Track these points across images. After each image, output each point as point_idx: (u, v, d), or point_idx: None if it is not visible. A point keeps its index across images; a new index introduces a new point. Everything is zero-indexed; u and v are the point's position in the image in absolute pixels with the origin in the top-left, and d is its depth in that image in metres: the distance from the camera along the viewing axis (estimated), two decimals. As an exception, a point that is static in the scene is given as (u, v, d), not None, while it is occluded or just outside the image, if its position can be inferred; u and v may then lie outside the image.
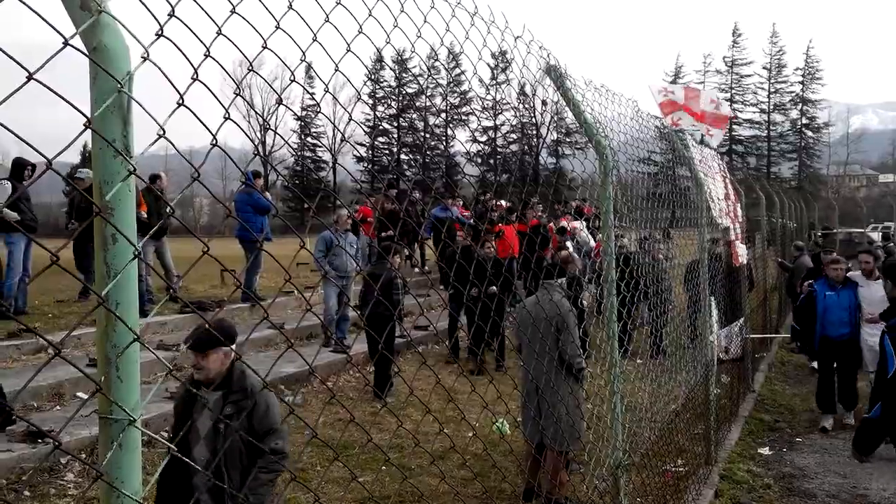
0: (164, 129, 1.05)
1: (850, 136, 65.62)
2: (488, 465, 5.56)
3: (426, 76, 57.29)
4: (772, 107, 60.73)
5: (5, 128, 0.94)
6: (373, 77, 57.75)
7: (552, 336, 4.73)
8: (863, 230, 28.18)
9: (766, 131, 60.72)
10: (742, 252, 8.87)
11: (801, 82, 60.18)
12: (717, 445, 6.22)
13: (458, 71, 56.75)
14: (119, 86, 1.02)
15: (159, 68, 1.07)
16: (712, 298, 6.53)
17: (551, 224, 13.50)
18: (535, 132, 57.89)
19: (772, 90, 60.60)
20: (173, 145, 1.11)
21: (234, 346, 3.09)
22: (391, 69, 59.22)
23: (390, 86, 59.83)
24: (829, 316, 7.37)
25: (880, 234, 25.01)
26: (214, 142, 1.16)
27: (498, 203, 14.72)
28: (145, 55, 1.05)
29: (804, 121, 60.33)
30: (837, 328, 7.26)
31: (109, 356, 1.02)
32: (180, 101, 1.10)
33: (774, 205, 14.40)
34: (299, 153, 58.66)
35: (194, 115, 1.12)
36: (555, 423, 4.62)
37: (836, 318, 7.28)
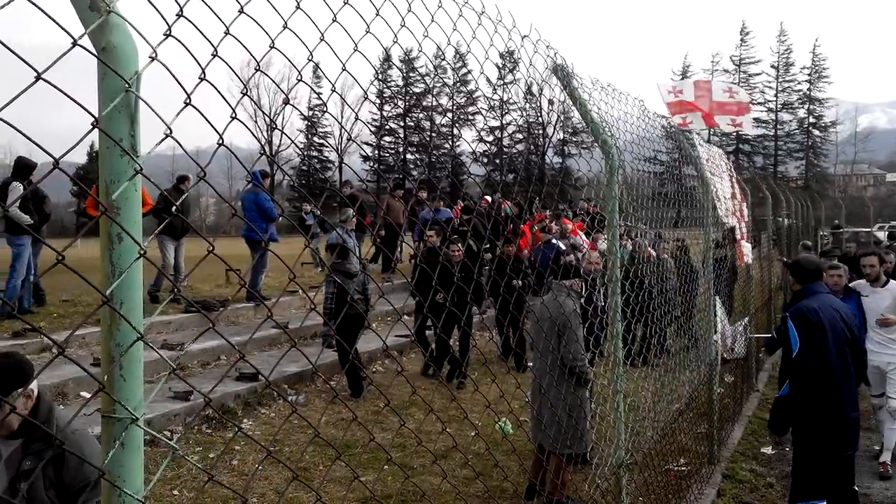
0: (171, 129, 1.05)
1: (857, 134, 65.27)
2: (490, 465, 5.56)
3: (433, 76, 57.29)
4: (779, 106, 60.50)
5: (12, 126, 0.94)
6: (380, 77, 57.78)
7: (555, 337, 4.73)
8: (869, 229, 27.99)
9: (773, 130, 60.49)
10: (748, 251, 8.84)
11: (809, 81, 59.94)
12: (720, 445, 6.22)
13: (464, 70, 56.75)
14: (127, 85, 1.02)
15: (167, 68, 1.08)
16: (717, 298, 6.51)
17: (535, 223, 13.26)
18: (541, 132, 57.83)
19: (779, 89, 60.38)
20: (180, 145, 1.11)
21: (32, 385, 2.47)
22: (398, 69, 59.25)
23: (397, 85, 59.84)
24: None
25: (887, 233, 24.71)
26: (221, 141, 1.17)
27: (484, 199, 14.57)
28: (153, 55, 1.05)
29: (811, 120, 60.08)
30: None
31: (113, 355, 1.03)
32: (187, 101, 1.10)
33: (781, 204, 14.34)
34: (305, 153, 58.71)
35: (202, 114, 1.12)
36: (556, 424, 4.62)
37: None
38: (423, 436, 6.30)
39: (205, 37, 1.12)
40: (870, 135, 68.33)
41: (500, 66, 52.85)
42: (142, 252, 1.03)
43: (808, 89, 59.92)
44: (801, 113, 60.47)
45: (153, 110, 1.06)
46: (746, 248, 8.97)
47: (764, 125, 60.29)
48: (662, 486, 4.61)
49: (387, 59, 55.78)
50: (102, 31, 1.02)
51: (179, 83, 1.08)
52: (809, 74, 59.79)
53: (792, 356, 4.19)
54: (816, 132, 60.39)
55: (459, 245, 8.56)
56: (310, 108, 56.16)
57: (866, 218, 31.28)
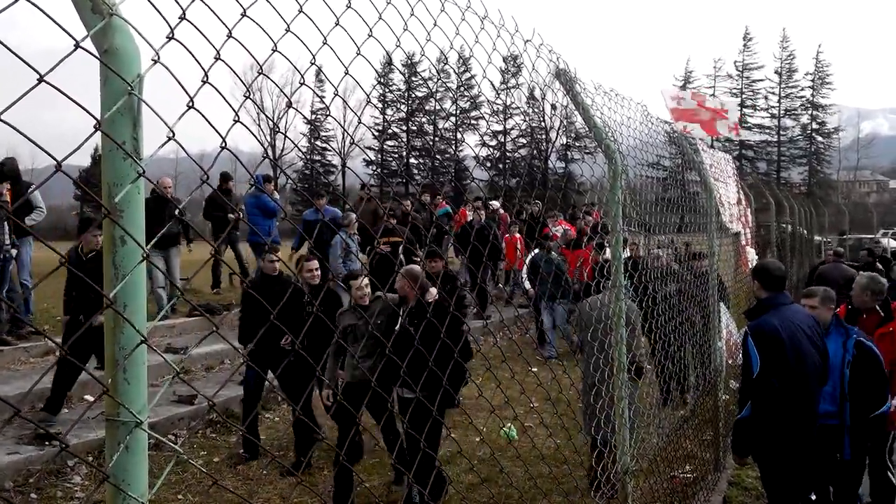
0: (173, 132, 1.05)
1: (860, 141, 65.17)
2: (496, 470, 5.54)
3: (436, 80, 57.40)
4: (782, 112, 60.45)
5: (16, 130, 0.94)
6: (382, 81, 57.92)
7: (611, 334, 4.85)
8: (873, 235, 27.89)
9: (776, 136, 60.44)
10: (752, 257, 8.83)
11: (812, 87, 59.90)
12: (726, 451, 6.18)
13: (468, 75, 56.87)
14: (129, 88, 1.02)
15: (169, 71, 1.07)
16: (722, 304, 6.49)
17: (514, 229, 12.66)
18: (544, 136, 57.88)
19: (782, 95, 60.35)
20: (183, 148, 1.11)
21: None
22: (401, 73, 59.41)
23: (400, 89, 60.01)
24: None
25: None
26: (224, 144, 1.16)
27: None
28: (156, 58, 1.05)
29: (814, 126, 60.01)
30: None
31: (117, 358, 1.02)
32: (190, 104, 1.10)
33: (784, 210, 14.32)
34: (308, 156, 58.86)
35: (204, 117, 1.12)
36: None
37: None
38: (426, 441, 6.28)
39: (207, 39, 1.12)
40: (872, 141, 68.16)
41: (503, 70, 52.98)
42: (145, 255, 1.03)
43: (812, 95, 59.87)
44: (804, 119, 60.41)
45: (156, 113, 1.05)
46: (751, 253, 8.96)
47: (767, 131, 60.25)
48: (668, 492, 4.58)
49: (389, 62, 55.98)
50: (105, 33, 1.02)
51: (182, 86, 1.07)
52: (812, 80, 59.74)
53: (753, 376, 3.97)
54: (819, 138, 60.28)
55: (314, 266, 5.88)
56: (313, 112, 56.31)
57: (869, 225, 31.20)
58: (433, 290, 4.82)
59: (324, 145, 59.46)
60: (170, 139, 1.05)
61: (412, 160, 60.40)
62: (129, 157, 1.01)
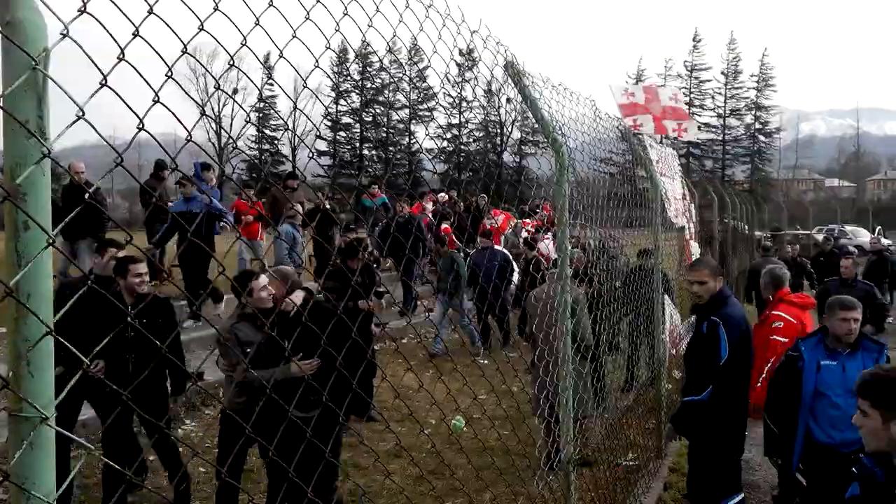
0: (83, 111, 0.99)
1: (799, 141, 67.84)
2: (441, 463, 5.55)
3: (380, 65, 56.63)
4: (727, 111, 62.30)
5: None
6: (319, 65, 56.66)
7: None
8: (809, 232, 29.06)
9: (721, 135, 62.30)
10: (695, 251, 9.08)
11: (756, 88, 61.91)
12: (668, 439, 6.35)
13: (417, 68, 56.47)
14: (34, 63, 0.96)
15: (80, 46, 1.02)
16: (666, 296, 6.66)
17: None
18: (498, 131, 58.11)
19: (728, 96, 62.17)
20: (94, 128, 1.05)
21: None
22: (348, 61, 58.50)
23: (354, 79, 59.16)
24: (827, 405, 3.94)
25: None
26: (141, 125, 1.11)
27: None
28: (64, 31, 0.99)
29: (757, 126, 62.11)
30: (842, 428, 3.82)
31: (20, 350, 0.96)
32: (103, 82, 1.04)
33: (726, 206, 14.76)
34: (257, 146, 57.54)
35: (117, 94, 1.06)
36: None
37: (841, 407, 3.83)
38: (375, 434, 6.26)
39: (124, 14, 1.06)
40: (811, 141, 71.12)
41: (458, 64, 52.85)
42: (50, 241, 0.97)
43: (756, 96, 61.89)
44: (748, 119, 62.42)
45: (64, 91, 0.99)
46: (694, 247, 9.21)
47: (713, 130, 62.02)
48: (611, 480, 4.67)
49: (333, 50, 54.94)
50: (7, 4, 0.95)
51: (94, 62, 1.01)
52: (757, 82, 61.75)
53: (721, 363, 4.09)
54: (762, 138, 62.43)
55: (143, 269, 4.46)
56: (261, 100, 54.94)
57: (806, 221, 32.54)
58: (297, 296, 4.21)
59: (273, 134, 58.21)
60: (79, 118, 0.99)
61: (365, 152, 59.74)
62: (32, 136, 0.95)
